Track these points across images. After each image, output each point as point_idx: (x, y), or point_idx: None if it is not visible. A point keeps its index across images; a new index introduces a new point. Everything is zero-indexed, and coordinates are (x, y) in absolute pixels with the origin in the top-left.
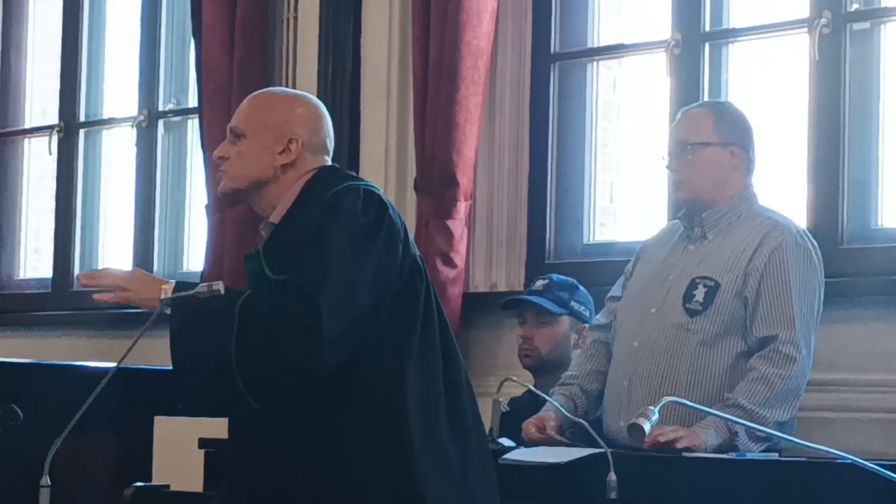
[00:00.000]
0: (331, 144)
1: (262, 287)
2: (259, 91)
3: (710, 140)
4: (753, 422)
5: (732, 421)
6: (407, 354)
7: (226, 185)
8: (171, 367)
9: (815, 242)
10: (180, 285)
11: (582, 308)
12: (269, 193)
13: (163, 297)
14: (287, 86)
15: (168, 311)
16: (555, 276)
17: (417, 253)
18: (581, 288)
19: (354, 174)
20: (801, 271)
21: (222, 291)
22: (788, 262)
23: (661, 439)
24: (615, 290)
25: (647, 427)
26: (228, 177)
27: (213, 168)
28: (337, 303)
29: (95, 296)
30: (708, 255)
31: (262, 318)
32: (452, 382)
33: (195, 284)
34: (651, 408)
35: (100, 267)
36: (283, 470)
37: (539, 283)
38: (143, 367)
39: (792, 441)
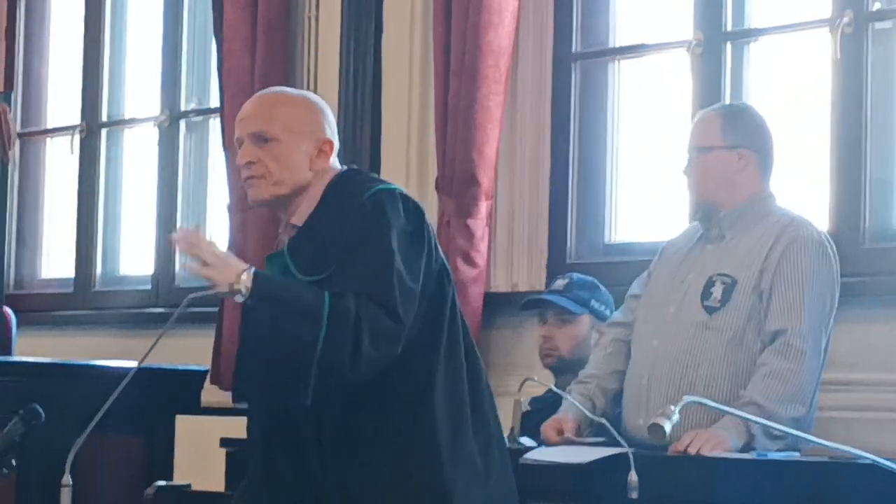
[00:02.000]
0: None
1: None
2: (266, 92)
3: (716, 144)
4: (769, 419)
5: (753, 421)
6: (435, 358)
7: (267, 190)
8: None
9: (831, 241)
10: (259, 275)
11: (603, 307)
12: (301, 198)
13: (237, 286)
14: (308, 85)
15: (241, 300)
16: (575, 276)
17: (444, 257)
18: (602, 287)
19: (378, 177)
20: (815, 266)
21: (243, 291)
22: (803, 256)
23: (691, 451)
24: (635, 288)
25: (667, 427)
26: (269, 182)
27: (235, 172)
28: (407, 314)
29: (185, 263)
30: (726, 253)
31: (353, 324)
32: (475, 385)
33: (274, 276)
34: (672, 407)
35: (121, 268)
36: (309, 471)
37: (559, 283)
38: (164, 366)
39: (810, 440)
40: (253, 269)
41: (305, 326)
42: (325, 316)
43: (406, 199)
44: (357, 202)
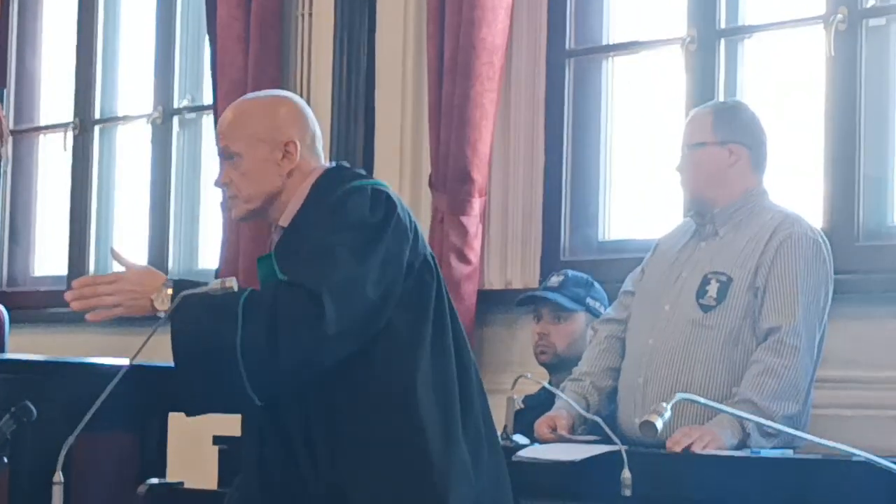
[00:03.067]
0: (320, 135)
1: None
2: (234, 103)
3: (707, 140)
4: (762, 416)
5: (747, 419)
6: (419, 354)
7: (241, 209)
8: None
9: (825, 238)
10: (180, 284)
11: (597, 304)
12: (281, 202)
13: (159, 303)
14: (301, 83)
15: (162, 314)
16: (570, 273)
17: (429, 251)
18: (596, 284)
19: (363, 172)
20: (808, 263)
21: (236, 288)
22: (797, 253)
23: (677, 448)
24: (628, 285)
25: (659, 424)
26: (241, 200)
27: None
28: (340, 297)
29: (87, 316)
30: (720, 250)
31: (267, 312)
32: (465, 382)
33: (196, 283)
34: (663, 405)
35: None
36: (298, 468)
37: (554, 280)
38: (157, 363)
39: (803, 437)
40: (170, 284)
41: (225, 326)
42: (241, 311)
43: (377, 192)
44: (330, 201)
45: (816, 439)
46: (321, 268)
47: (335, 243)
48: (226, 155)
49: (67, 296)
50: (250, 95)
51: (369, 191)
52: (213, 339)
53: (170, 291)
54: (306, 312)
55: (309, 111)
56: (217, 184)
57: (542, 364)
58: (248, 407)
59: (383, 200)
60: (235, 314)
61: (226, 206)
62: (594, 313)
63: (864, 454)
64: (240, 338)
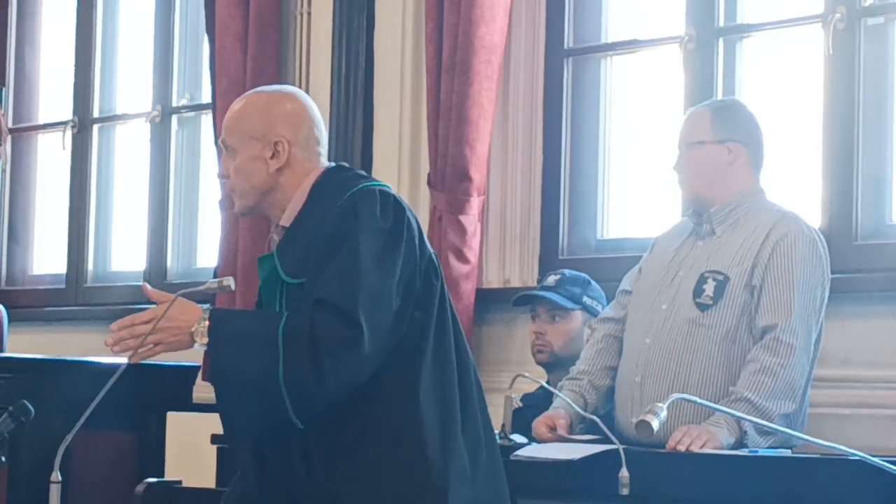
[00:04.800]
0: (321, 135)
1: (275, 289)
2: (242, 96)
3: (706, 138)
4: (759, 415)
5: (743, 419)
6: (423, 355)
7: (239, 205)
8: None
9: (822, 236)
10: (217, 315)
11: (595, 303)
12: (276, 200)
13: (199, 336)
14: (300, 81)
15: (202, 347)
16: (567, 272)
17: (432, 252)
18: (594, 283)
19: (365, 173)
20: (805, 261)
21: (233, 287)
22: (793, 252)
23: (681, 448)
24: (625, 284)
25: (655, 424)
26: (237, 195)
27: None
28: (374, 316)
29: (129, 359)
30: (717, 249)
31: (307, 341)
32: (464, 383)
33: (230, 312)
34: (659, 404)
35: (113, 264)
36: (297, 471)
37: (551, 279)
38: (155, 362)
39: (797, 436)
40: (207, 316)
41: (265, 356)
42: (281, 340)
43: (385, 195)
44: (336, 204)
45: (811, 439)
46: (351, 285)
47: (357, 255)
48: (225, 148)
49: (108, 341)
50: (257, 89)
51: (378, 194)
52: (255, 373)
53: (207, 324)
54: (346, 336)
55: (312, 110)
56: (219, 175)
57: (539, 363)
58: (288, 429)
59: (392, 204)
60: (276, 345)
61: (226, 202)
62: (591, 312)
63: (859, 454)
64: (282, 370)
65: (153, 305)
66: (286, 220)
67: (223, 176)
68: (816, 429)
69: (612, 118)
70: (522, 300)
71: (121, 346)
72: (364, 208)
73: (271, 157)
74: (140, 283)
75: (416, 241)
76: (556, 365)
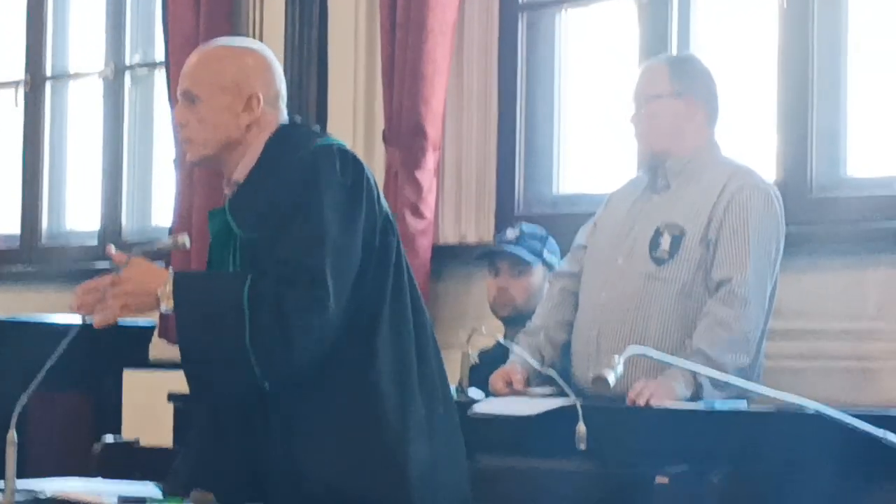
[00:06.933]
0: (284, 92)
1: (228, 244)
2: (204, 45)
3: (664, 92)
4: (714, 367)
5: (699, 372)
6: (380, 313)
7: (195, 153)
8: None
9: (776, 190)
10: (181, 277)
11: (553, 258)
12: (236, 154)
13: (165, 299)
14: (254, 36)
15: (168, 310)
16: (525, 226)
17: (388, 208)
18: (551, 238)
19: (318, 130)
20: (760, 215)
21: (188, 245)
22: (748, 205)
23: (640, 402)
24: (580, 238)
25: (611, 379)
26: (195, 144)
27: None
28: (339, 276)
29: (94, 322)
30: (672, 203)
31: (273, 303)
32: (421, 340)
33: (199, 273)
34: (616, 358)
35: (67, 223)
36: (255, 434)
37: (510, 234)
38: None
39: (753, 389)
40: (171, 278)
41: (231, 319)
42: (246, 303)
43: (344, 153)
44: (294, 159)
45: (768, 391)
46: (317, 244)
47: (320, 212)
48: (186, 97)
49: (72, 305)
50: (222, 40)
51: (336, 151)
52: (222, 338)
53: (171, 287)
54: (313, 296)
55: (278, 66)
56: (173, 123)
57: (501, 318)
58: (252, 391)
59: (351, 161)
60: (242, 308)
61: (180, 159)
62: (550, 266)
63: (815, 405)
64: (248, 333)
65: (106, 265)
66: (239, 174)
67: (178, 124)
68: (772, 381)
69: (566, 72)
70: (485, 255)
71: (86, 309)
72: (324, 166)
73: (243, 111)
74: (95, 243)
75: (375, 199)
76: (518, 319)
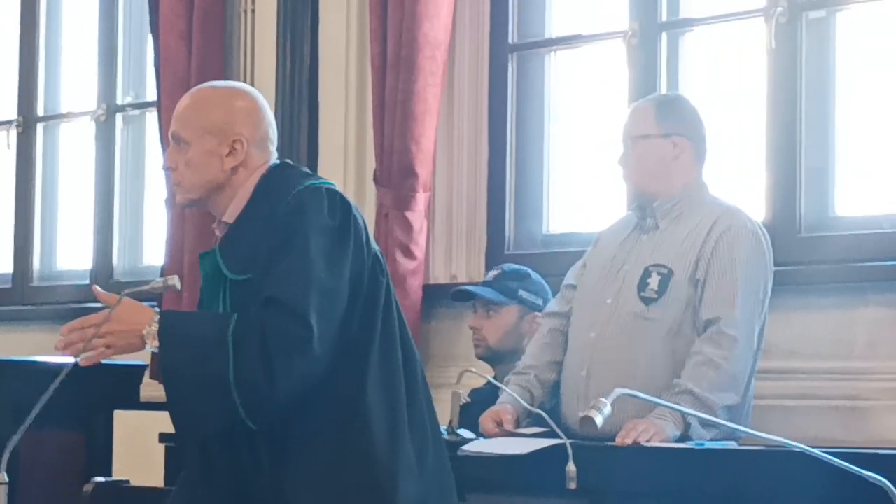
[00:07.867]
0: (274, 134)
1: (218, 286)
2: (194, 88)
3: (650, 132)
4: (702, 407)
5: (687, 413)
6: (369, 352)
7: (182, 197)
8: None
9: (764, 230)
10: (167, 316)
11: (533, 297)
12: (224, 196)
13: (150, 339)
14: (245, 78)
15: (154, 349)
16: (507, 266)
17: (377, 248)
18: (534, 276)
19: (309, 171)
20: (748, 255)
21: (178, 286)
22: (736, 245)
23: (628, 441)
24: (570, 278)
25: (598, 420)
26: (183, 188)
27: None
28: (325, 316)
29: (80, 361)
30: (661, 243)
31: (258, 342)
32: (410, 379)
33: (186, 314)
34: (603, 400)
35: (58, 263)
36: (245, 469)
37: (491, 274)
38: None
39: (740, 430)
40: (157, 319)
41: (215, 358)
42: (230, 341)
43: (332, 193)
44: (282, 201)
45: (752, 431)
46: (302, 284)
47: (306, 255)
48: (176, 140)
49: (58, 345)
50: (211, 84)
51: (324, 192)
52: (206, 376)
53: (158, 326)
54: (297, 336)
55: (267, 108)
56: (163, 166)
57: (478, 357)
58: (237, 428)
59: (339, 202)
60: (226, 347)
61: (171, 199)
62: (529, 305)
63: (799, 446)
64: (232, 372)
65: (100, 305)
66: (229, 216)
67: (168, 168)
68: (762, 421)
69: (556, 113)
70: (457, 296)
71: (72, 349)
72: (312, 206)
73: (227, 155)
74: (87, 283)
75: (363, 239)
76: (497, 359)
